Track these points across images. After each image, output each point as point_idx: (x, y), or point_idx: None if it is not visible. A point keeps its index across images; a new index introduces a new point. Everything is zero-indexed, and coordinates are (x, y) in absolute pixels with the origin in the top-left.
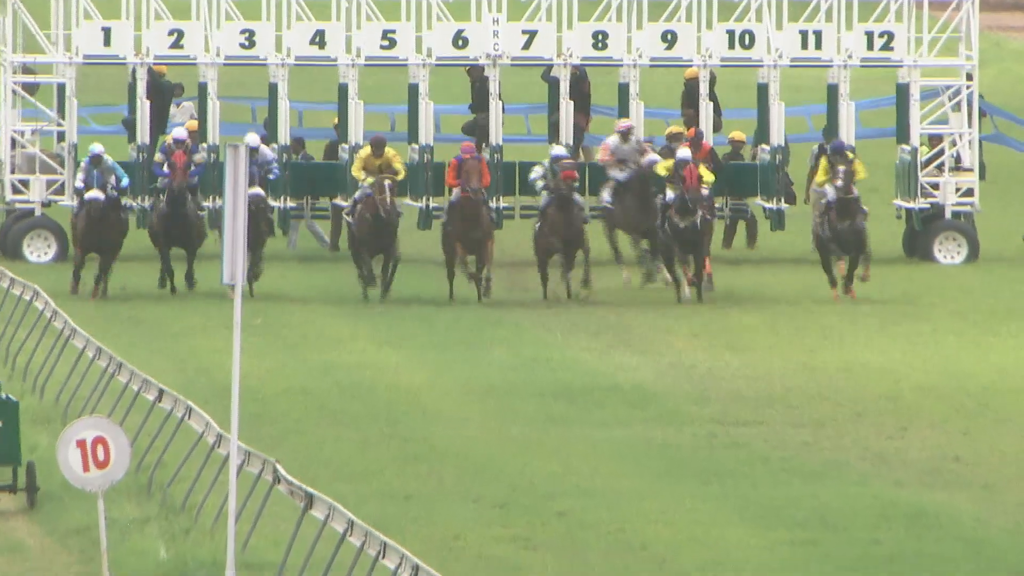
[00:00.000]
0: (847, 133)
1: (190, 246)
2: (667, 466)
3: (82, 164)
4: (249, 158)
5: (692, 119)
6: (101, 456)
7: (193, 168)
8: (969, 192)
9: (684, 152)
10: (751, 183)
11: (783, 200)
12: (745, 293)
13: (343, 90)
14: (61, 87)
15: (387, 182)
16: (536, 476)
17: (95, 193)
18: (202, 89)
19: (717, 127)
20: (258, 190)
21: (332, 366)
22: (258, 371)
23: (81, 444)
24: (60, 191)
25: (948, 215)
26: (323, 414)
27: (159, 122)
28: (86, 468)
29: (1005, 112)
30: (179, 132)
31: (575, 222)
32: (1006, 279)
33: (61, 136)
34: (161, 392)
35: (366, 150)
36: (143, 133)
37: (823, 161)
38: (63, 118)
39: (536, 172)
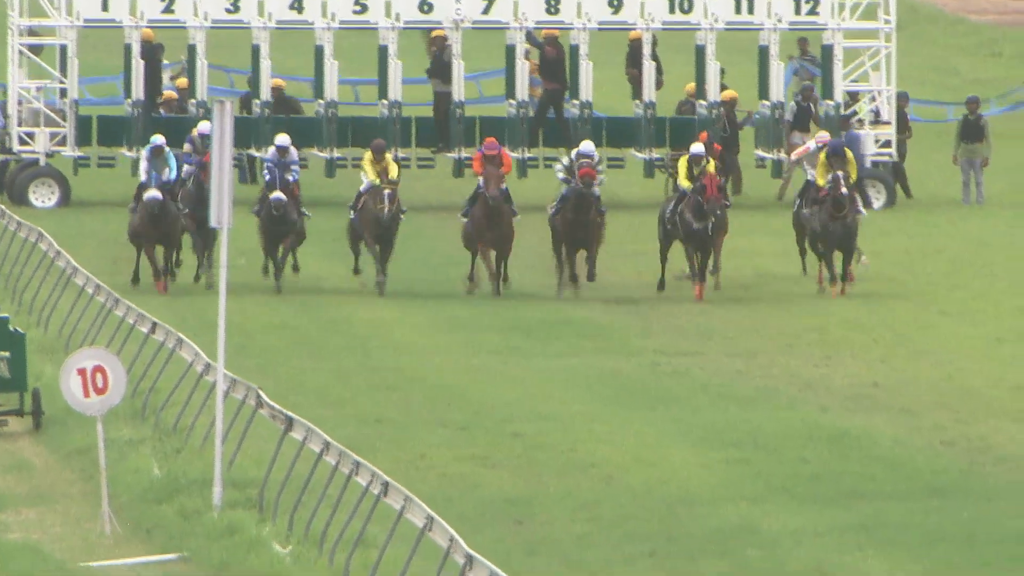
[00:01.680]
0: (776, 92)
1: (209, 237)
2: (615, 392)
3: (143, 154)
4: (279, 158)
5: (636, 78)
6: (100, 383)
7: None
8: (887, 144)
9: (698, 147)
10: (691, 136)
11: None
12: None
13: (319, 51)
14: (63, 48)
15: (387, 191)
16: (495, 402)
17: (153, 193)
18: (191, 51)
19: (659, 85)
20: (279, 195)
21: (311, 303)
22: (243, 307)
23: (82, 372)
24: (62, 143)
25: (868, 164)
26: (302, 346)
27: (152, 81)
28: (86, 394)
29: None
30: (205, 126)
31: (590, 223)
32: (921, 223)
33: (63, 93)
34: (154, 325)
35: (368, 155)
36: (137, 90)
37: (822, 158)
38: (65, 76)
39: (560, 166)
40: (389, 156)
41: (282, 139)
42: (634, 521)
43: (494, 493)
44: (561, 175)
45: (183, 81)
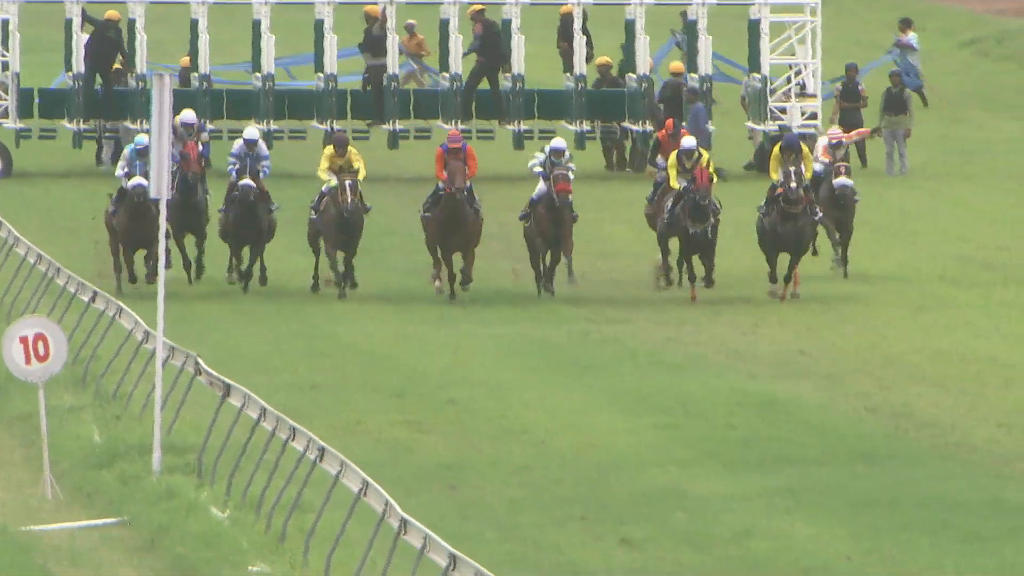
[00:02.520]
0: (704, 65)
1: (200, 233)
2: (546, 360)
3: (125, 154)
4: (248, 152)
5: (567, 52)
6: (41, 351)
7: (201, 148)
8: (813, 116)
9: (689, 141)
10: (620, 108)
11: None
12: (615, 206)
13: (256, 25)
14: (5, 22)
15: (348, 181)
16: (429, 368)
17: (139, 180)
18: (131, 25)
19: (589, 58)
20: (248, 181)
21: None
22: (181, 276)
23: (23, 340)
24: (4, 115)
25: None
26: (239, 314)
27: (100, 56)
28: (28, 361)
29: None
30: (188, 115)
31: (563, 223)
32: None
33: (5, 66)
34: (95, 294)
35: (329, 149)
36: (78, 62)
37: (776, 152)
38: (7, 50)
39: (535, 161)
40: (354, 150)
41: (251, 132)
42: (565, 485)
43: (428, 458)
44: (537, 170)
45: (185, 60)
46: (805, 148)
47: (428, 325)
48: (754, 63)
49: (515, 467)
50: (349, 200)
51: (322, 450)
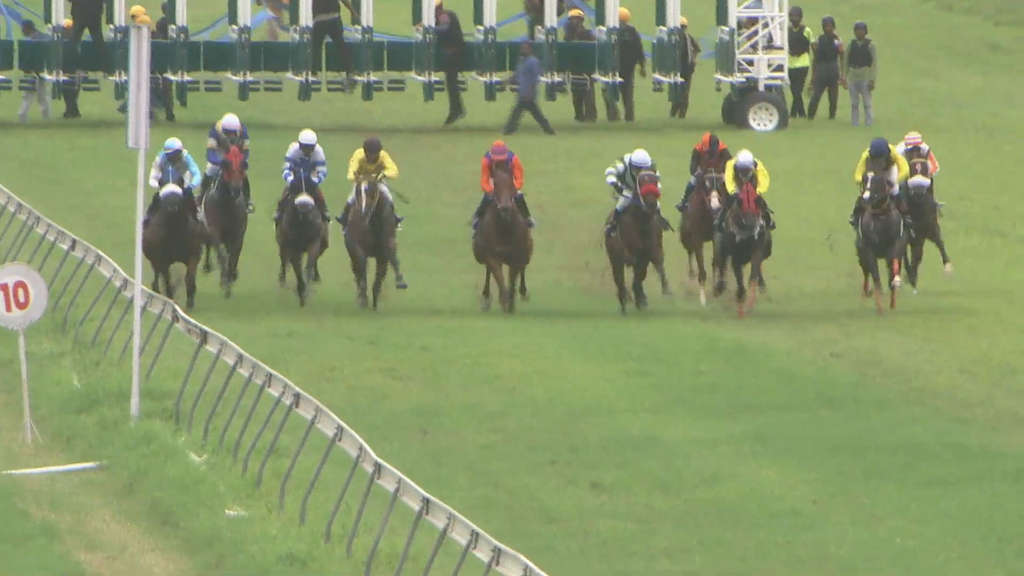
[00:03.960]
0: (673, 18)
1: (236, 239)
2: (518, 308)
3: (156, 160)
4: (303, 157)
5: (536, 5)
6: (22, 298)
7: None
8: (779, 68)
9: (745, 157)
10: (590, 60)
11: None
12: (583, 156)
13: None
14: None
15: (364, 184)
16: (403, 316)
17: (172, 188)
18: None
19: (560, 11)
20: (306, 198)
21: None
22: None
23: (3, 288)
24: None
25: (761, 88)
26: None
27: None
28: (8, 309)
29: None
30: (231, 121)
31: (652, 232)
32: (813, 143)
33: None
34: (74, 242)
35: (359, 153)
36: (57, 15)
37: (862, 159)
38: None
39: (611, 173)
40: (385, 154)
41: (307, 136)
42: (536, 432)
43: (402, 404)
44: (611, 179)
45: (139, 9)
46: (896, 153)
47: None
48: (721, 16)
49: (487, 413)
50: (364, 206)
51: (297, 396)
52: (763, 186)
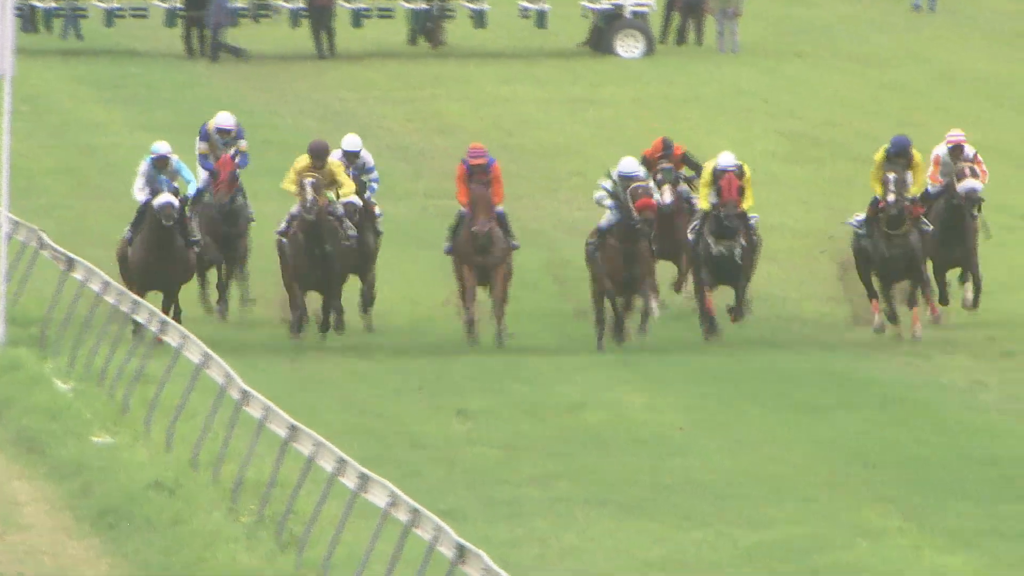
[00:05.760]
0: None
1: (235, 260)
2: (386, 237)
3: (141, 167)
4: (350, 164)
5: None
6: None
7: (238, 160)
8: None
9: (726, 158)
10: None
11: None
12: (449, 83)
13: None
14: None
15: (308, 179)
16: (269, 244)
17: (167, 198)
18: None
19: None
20: (353, 198)
21: (93, 148)
22: (27, 149)
23: None
24: None
25: (628, 14)
26: (85, 189)
27: None
28: None
29: None
30: (226, 119)
31: (641, 259)
32: (680, 71)
33: None
34: None
35: (303, 160)
36: None
37: (879, 158)
38: None
39: (601, 190)
40: (335, 163)
41: (351, 141)
42: (404, 358)
43: (269, 332)
44: (607, 202)
45: None
46: (917, 155)
47: (261, 202)
48: None
49: (354, 343)
50: (308, 200)
51: (163, 323)
52: (748, 200)
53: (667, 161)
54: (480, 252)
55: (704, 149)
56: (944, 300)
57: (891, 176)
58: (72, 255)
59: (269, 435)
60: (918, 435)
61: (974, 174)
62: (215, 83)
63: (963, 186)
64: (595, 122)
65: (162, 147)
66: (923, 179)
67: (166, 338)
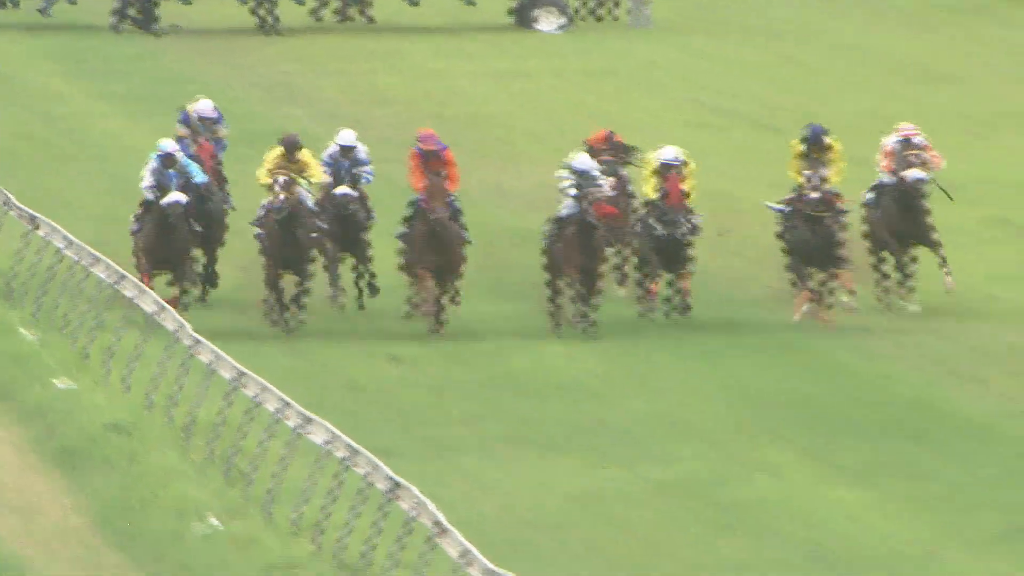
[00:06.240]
0: None
1: (210, 245)
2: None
3: (150, 164)
4: (342, 157)
5: None
6: None
7: (216, 146)
8: None
9: (669, 152)
10: None
11: None
12: (387, 56)
13: None
14: None
15: (280, 176)
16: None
17: (176, 196)
18: None
19: None
20: (347, 189)
21: (53, 115)
22: None
23: None
24: None
25: None
26: (45, 151)
27: None
28: None
29: None
30: (206, 106)
31: (597, 251)
32: (596, 45)
33: None
34: None
35: (276, 152)
36: None
37: (795, 148)
38: None
39: (564, 180)
40: (307, 153)
41: (346, 136)
42: (345, 313)
43: (222, 286)
44: (573, 192)
45: None
46: (835, 144)
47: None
48: None
49: (292, 291)
50: (283, 197)
51: (121, 276)
52: (689, 185)
53: (609, 153)
54: (436, 243)
55: (620, 120)
56: (906, 284)
57: (812, 173)
58: (36, 214)
59: (218, 380)
60: (814, 379)
61: (921, 163)
62: (169, 57)
63: (909, 176)
64: (520, 93)
65: (169, 145)
66: (842, 167)
67: (123, 289)
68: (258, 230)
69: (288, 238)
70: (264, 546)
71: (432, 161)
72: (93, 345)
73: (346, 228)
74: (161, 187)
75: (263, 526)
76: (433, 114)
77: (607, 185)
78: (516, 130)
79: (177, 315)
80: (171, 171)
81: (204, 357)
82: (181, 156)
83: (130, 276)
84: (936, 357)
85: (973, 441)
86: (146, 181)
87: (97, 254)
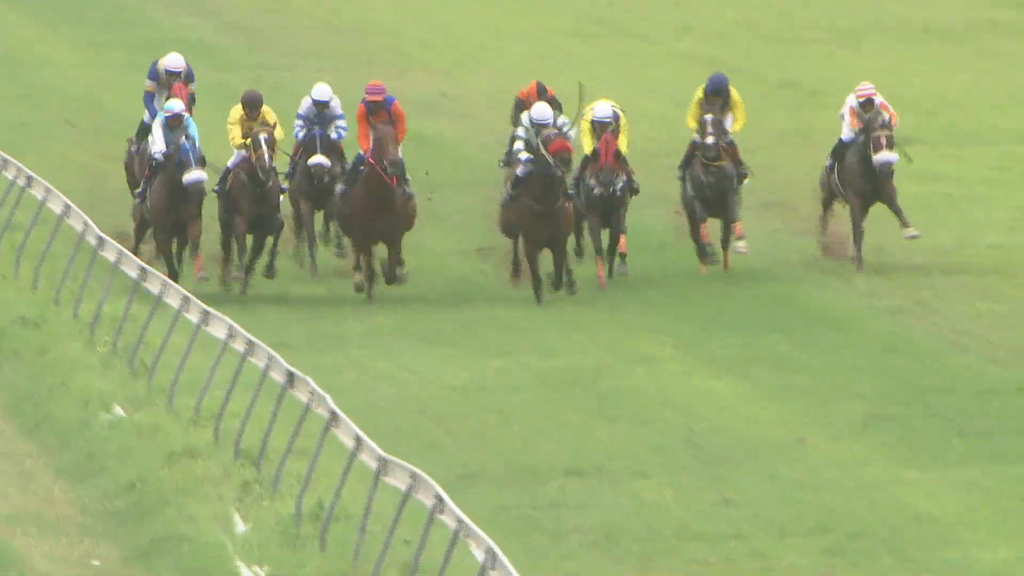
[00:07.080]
0: None
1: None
2: (217, 99)
3: (155, 126)
4: (317, 113)
5: None
6: None
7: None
8: None
9: (603, 108)
10: None
11: None
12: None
13: None
14: None
15: (263, 135)
16: (121, 109)
17: (198, 174)
18: None
19: None
20: (321, 158)
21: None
22: None
23: None
24: None
25: None
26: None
27: None
28: None
29: None
30: (175, 60)
31: (560, 216)
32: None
33: None
34: None
35: (237, 111)
36: None
37: (698, 95)
38: None
39: (519, 141)
40: (268, 109)
41: (321, 91)
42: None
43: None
44: (524, 155)
45: None
46: (735, 93)
47: (124, 71)
48: None
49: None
50: (267, 156)
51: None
52: (623, 143)
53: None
54: (378, 201)
55: (500, 33)
56: (857, 241)
57: (709, 118)
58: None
59: (122, 277)
60: (688, 275)
61: (890, 145)
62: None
63: (878, 159)
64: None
65: (176, 105)
66: (743, 117)
67: (31, 191)
68: (217, 187)
69: (256, 186)
70: (166, 434)
71: (379, 113)
72: (2, 242)
73: (320, 197)
74: (169, 155)
75: (166, 415)
76: (327, 23)
77: (568, 125)
78: (403, 37)
79: (82, 213)
80: (185, 143)
81: (109, 255)
82: (187, 118)
83: (39, 178)
84: (804, 259)
85: (838, 335)
86: (157, 144)
87: (8, 157)
